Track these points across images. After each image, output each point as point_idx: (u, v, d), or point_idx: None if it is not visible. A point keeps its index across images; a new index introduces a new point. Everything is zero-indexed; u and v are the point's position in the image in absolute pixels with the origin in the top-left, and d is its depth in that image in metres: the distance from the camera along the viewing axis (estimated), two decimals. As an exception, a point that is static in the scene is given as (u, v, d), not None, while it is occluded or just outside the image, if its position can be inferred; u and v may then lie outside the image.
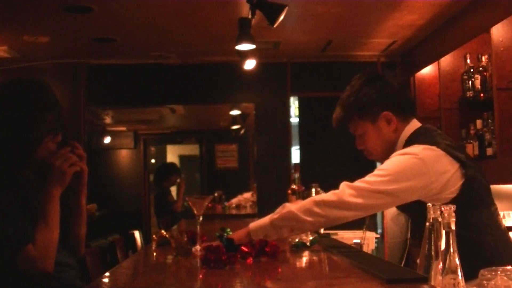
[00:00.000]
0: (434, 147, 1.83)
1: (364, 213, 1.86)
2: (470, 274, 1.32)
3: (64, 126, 1.82)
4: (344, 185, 1.88)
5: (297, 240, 2.16)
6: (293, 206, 1.91)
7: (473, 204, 1.82)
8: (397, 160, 1.85)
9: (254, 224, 1.98)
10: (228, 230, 2.01)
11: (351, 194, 1.83)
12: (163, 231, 2.41)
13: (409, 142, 1.93)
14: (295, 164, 4.19)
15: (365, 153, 2.07)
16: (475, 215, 1.82)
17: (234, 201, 7.24)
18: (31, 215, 1.69)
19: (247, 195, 7.07)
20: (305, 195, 2.87)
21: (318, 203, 1.86)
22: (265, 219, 1.96)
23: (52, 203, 1.70)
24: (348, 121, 2.05)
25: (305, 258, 2.04)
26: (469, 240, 1.77)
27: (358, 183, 1.86)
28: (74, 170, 1.76)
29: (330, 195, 1.86)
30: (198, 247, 2.00)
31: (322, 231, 2.84)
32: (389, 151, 1.96)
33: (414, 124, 1.99)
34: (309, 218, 1.85)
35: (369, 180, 1.84)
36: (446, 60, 4.42)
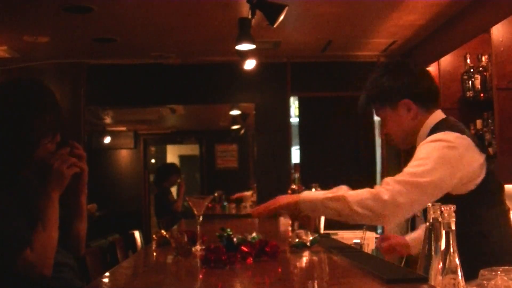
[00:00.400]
0: (464, 136, 1.86)
1: (410, 213, 1.83)
2: (470, 274, 1.32)
3: (64, 127, 1.82)
4: (392, 182, 1.80)
5: (297, 240, 2.16)
6: (348, 192, 1.87)
7: (487, 199, 1.85)
8: (433, 148, 1.83)
9: (306, 196, 1.94)
10: (228, 230, 2.01)
11: (399, 191, 1.77)
12: (163, 231, 2.41)
13: (434, 131, 1.93)
14: (295, 164, 4.19)
15: (387, 140, 2.14)
16: (487, 210, 1.85)
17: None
18: (30, 216, 1.68)
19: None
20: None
21: (373, 197, 1.79)
22: (318, 195, 1.94)
23: (51, 206, 1.69)
24: (370, 106, 2.12)
25: (305, 258, 2.03)
26: (476, 235, 1.80)
27: (404, 177, 1.80)
28: (73, 171, 1.75)
29: (383, 192, 1.78)
30: (198, 247, 2.00)
31: (322, 231, 2.84)
32: (410, 138, 2.03)
33: (439, 115, 2.01)
34: (360, 210, 1.79)
35: (413, 171, 1.80)
36: (446, 60, 4.42)
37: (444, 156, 1.80)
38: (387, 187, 1.79)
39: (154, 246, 2.32)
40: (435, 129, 1.94)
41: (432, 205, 1.23)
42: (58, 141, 1.79)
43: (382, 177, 5.68)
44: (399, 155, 5.76)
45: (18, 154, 1.72)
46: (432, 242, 1.19)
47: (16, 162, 1.74)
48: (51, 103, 1.77)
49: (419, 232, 2.14)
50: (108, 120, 8.00)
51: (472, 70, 4.05)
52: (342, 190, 1.91)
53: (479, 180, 1.82)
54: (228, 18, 4.29)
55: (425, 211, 1.84)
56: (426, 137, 1.94)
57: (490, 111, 3.66)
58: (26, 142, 1.71)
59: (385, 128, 2.09)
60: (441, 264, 1.07)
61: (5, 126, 1.71)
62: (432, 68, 4.78)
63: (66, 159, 1.73)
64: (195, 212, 2.06)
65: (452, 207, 1.08)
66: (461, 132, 1.88)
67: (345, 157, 5.77)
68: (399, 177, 1.81)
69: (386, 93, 2.03)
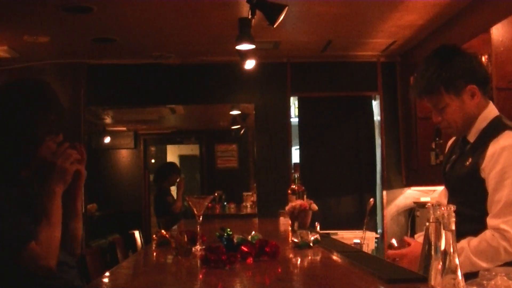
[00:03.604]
0: None
1: None
2: (470, 274, 1.32)
3: (65, 126, 1.83)
4: (498, 239, 1.76)
5: (300, 240, 2.16)
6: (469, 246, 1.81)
7: None
8: None
9: None
10: (228, 230, 2.01)
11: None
12: (163, 231, 2.41)
13: (497, 123, 1.95)
14: (295, 164, 4.18)
15: (441, 126, 2.06)
16: None
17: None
18: (34, 214, 1.69)
19: None
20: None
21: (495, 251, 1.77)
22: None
23: (55, 201, 1.71)
24: (431, 94, 2.00)
25: (305, 258, 2.03)
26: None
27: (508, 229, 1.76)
28: (75, 167, 1.78)
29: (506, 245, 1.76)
30: (198, 247, 2.00)
31: (318, 229, 2.84)
32: (468, 125, 1.99)
33: (492, 106, 2.02)
34: (487, 265, 1.76)
35: None
36: (446, 60, 4.41)
37: None
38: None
39: (154, 246, 2.32)
40: (498, 121, 1.95)
41: (432, 205, 1.22)
42: (60, 140, 1.80)
43: (382, 177, 5.70)
44: (399, 155, 5.76)
45: (20, 153, 1.73)
46: (432, 242, 1.19)
47: (18, 161, 1.75)
48: (53, 102, 1.79)
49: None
50: (108, 120, 8.00)
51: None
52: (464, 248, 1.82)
53: None
54: (228, 18, 4.29)
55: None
56: (483, 128, 1.95)
57: (490, 111, 3.65)
58: (30, 140, 1.73)
59: (445, 115, 2.00)
60: (441, 264, 1.07)
61: (9, 124, 1.73)
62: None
63: (68, 155, 1.76)
64: (195, 212, 2.06)
65: (452, 207, 1.08)
66: None
67: (345, 157, 5.77)
68: (504, 231, 1.75)
69: (453, 80, 1.95)
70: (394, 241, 2.11)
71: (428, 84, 1.99)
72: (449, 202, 2.06)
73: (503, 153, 1.83)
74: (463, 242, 1.80)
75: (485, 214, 1.83)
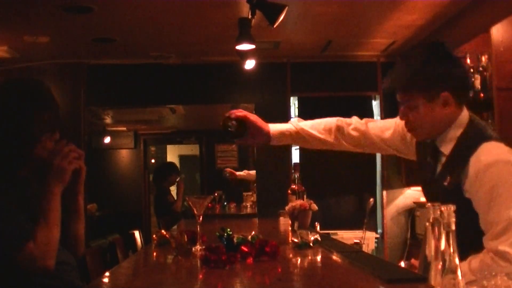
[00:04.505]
0: (508, 147, 1.79)
1: None
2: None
3: (62, 124, 1.83)
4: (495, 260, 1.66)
5: (300, 240, 2.16)
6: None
7: None
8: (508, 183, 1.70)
9: None
10: (228, 230, 2.01)
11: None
12: (163, 231, 2.41)
13: (473, 131, 1.82)
14: (295, 164, 4.18)
15: (406, 127, 1.94)
16: None
17: (241, 173, 7.31)
18: (31, 214, 1.69)
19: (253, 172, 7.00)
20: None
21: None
22: None
23: (53, 201, 1.71)
24: (402, 90, 1.89)
25: (305, 258, 2.03)
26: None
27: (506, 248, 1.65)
28: (73, 166, 1.77)
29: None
30: (198, 247, 2.00)
31: (318, 229, 2.84)
32: (435, 132, 1.86)
33: (465, 112, 1.87)
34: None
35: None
36: (446, 60, 4.41)
37: None
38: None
39: (154, 246, 2.32)
40: (474, 134, 1.81)
41: (432, 205, 1.22)
42: (56, 139, 1.80)
43: (382, 177, 5.69)
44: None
45: (16, 152, 1.73)
46: (432, 242, 1.19)
47: (14, 160, 1.75)
48: (48, 101, 1.79)
49: None
50: (108, 120, 8.00)
51: (472, 70, 4.05)
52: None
53: None
54: (228, 18, 4.29)
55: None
56: (458, 138, 1.82)
57: (490, 111, 3.66)
58: (26, 140, 1.72)
59: (412, 117, 1.87)
60: (441, 264, 1.07)
61: (4, 124, 1.72)
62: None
63: (66, 155, 1.75)
64: (195, 212, 2.06)
65: (452, 207, 1.08)
66: (501, 140, 1.80)
67: (345, 157, 5.74)
68: (502, 252, 1.65)
69: (429, 83, 1.81)
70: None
71: (401, 80, 1.87)
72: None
73: (488, 171, 1.70)
74: (464, 266, 1.69)
75: (471, 227, 1.72)
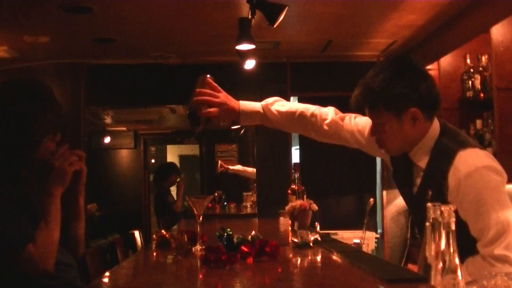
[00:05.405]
0: (484, 151, 1.79)
1: None
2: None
3: (63, 126, 1.83)
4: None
5: (300, 240, 2.16)
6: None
7: None
8: (490, 192, 1.69)
9: None
10: (228, 230, 2.01)
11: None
12: (163, 231, 2.41)
13: (445, 141, 1.80)
14: (295, 164, 4.19)
15: (377, 143, 1.92)
16: None
17: (234, 167, 7.25)
18: (32, 215, 1.69)
19: (251, 169, 6.98)
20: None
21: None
22: None
23: (53, 203, 1.71)
24: (369, 107, 1.86)
25: (305, 258, 2.03)
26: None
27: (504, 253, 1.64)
28: (74, 169, 1.77)
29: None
30: (198, 247, 2.00)
31: (318, 229, 2.84)
32: (405, 147, 1.86)
33: (436, 123, 1.85)
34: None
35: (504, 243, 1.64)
36: (446, 60, 4.42)
37: (504, 195, 1.68)
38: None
39: (154, 246, 2.32)
40: (442, 142, 1.80)
41: (432, 205, 1.22)
42: (58, 140, 1.80)
43: (382, 177, 5.69)
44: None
45: (18, 153, 1.73)
46: (432, 242, 1.19)
47: (16, 162, 1.75)
48: (50, 102, 1.79)
49: None
50: (108, 120, 8.00)
51: (472, 70, 4.05)
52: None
53: None
54: (228, 18, 4.29)
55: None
56: (432, 150, 1.81)
57: (490, 111, 3.66)
58: (28, 141, 1.72)
59: (381, 134, 1.85)
60: (441, 264, 1.07)
61: (7, 125, 1.72)
62: (432, 68, 4.79)
63: (67, 157, 1.75)
64: (195, 212, 2.06)
65: (452, 207, 1.08)
66: (477, 146, 1.79)
67: (345, 157, 5.76)
68: (500, 257, 1.64)
69: (395, 99, 1.78)
70: None
71: (367, 96, 1.84)
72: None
73: (468, 180, 1.69)
74: (462, 270, 1.70)
75: (463, 234, 1.65)
